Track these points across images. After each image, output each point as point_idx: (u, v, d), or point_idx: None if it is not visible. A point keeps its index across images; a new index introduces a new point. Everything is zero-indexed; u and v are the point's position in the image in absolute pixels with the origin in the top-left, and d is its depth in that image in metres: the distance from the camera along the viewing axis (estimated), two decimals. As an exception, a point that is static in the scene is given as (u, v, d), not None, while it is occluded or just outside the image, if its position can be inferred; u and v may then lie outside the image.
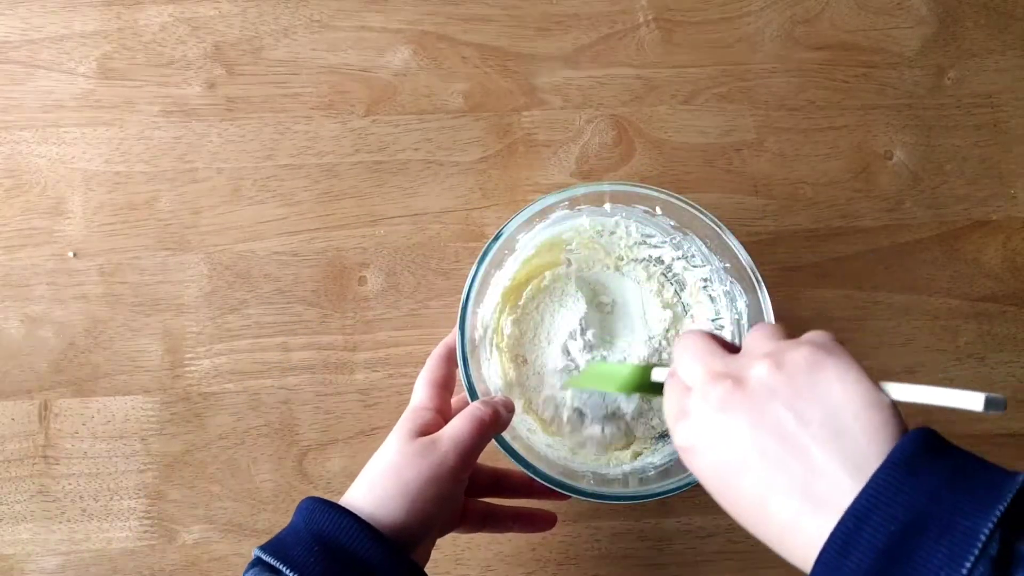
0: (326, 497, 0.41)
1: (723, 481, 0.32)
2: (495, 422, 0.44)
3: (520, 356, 0.55)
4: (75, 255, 0.61)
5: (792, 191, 0.63)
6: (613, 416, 0.54)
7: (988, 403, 0.29)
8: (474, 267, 0.49)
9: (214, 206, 0.61)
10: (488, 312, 0.53)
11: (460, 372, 0.48)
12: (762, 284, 0.50)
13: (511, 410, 0.46)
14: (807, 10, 0.66)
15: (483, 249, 0.49)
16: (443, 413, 0.46)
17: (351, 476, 0.58)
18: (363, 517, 0.39)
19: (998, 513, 0.26)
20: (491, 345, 0.54)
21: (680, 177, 0.63)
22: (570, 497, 0.47)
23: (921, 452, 0.28)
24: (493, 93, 0.64)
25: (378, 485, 0.41)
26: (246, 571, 0.39)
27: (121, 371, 0.59)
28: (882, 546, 0.27)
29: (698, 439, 0.33)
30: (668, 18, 0.65)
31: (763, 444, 0.31)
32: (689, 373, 0.35)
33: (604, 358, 0.55)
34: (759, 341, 0.34)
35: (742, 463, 0.31)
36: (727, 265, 0.52)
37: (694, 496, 0.59)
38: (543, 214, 0.52)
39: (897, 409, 0.30)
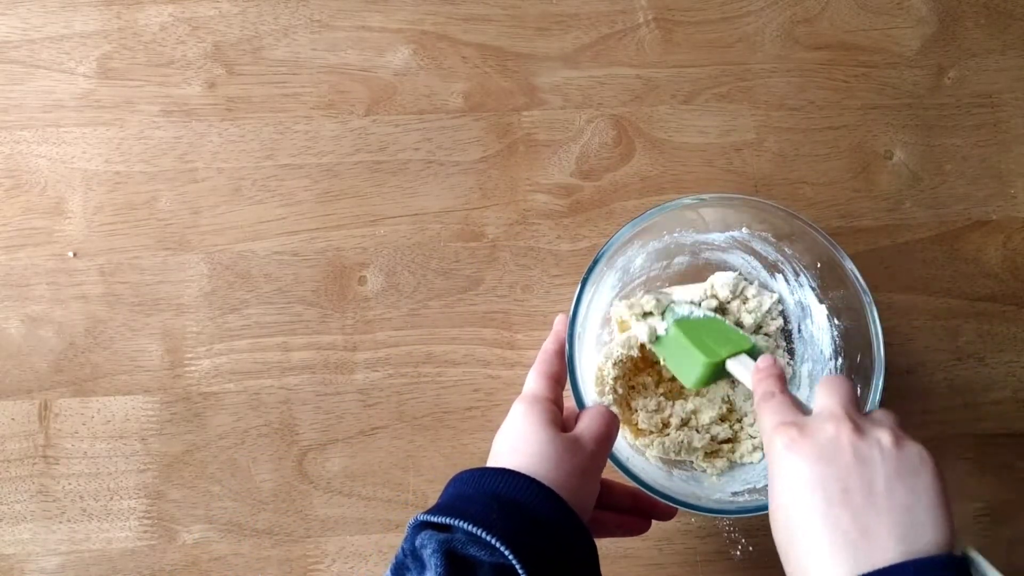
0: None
1: (799, 488, 0.37)
2: (617, 424, 0.47)
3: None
4: (75, 255, 0.61)
5: (792, 191, 0.63)
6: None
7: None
8: (572, 306, 0.51)
9: (214, 206, 0.61)
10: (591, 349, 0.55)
11: (573, 397, 0.50)
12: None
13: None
14: (807, 10, 0.66)
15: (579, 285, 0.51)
16: (558, 405, 0.48)
17: (351, 476, 0.58)
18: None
19: None
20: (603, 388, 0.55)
21: (680, 177, 0.63)
22: (676, 513, 0.51)
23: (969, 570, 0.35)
24: (493, 93, 0.64)
25: (537, 470, 0.42)
26: (409, 537, 0.39)
27: (121, 371, 0.59)
28: None
29: (811, 447, 0.37)
30: (668, 18, 0.65)
31: (850, 484, 0.36)
32: (830, 405, 0.40)
33: (686, 313, 0.54)
34: (885, 417, 0.40)
35: (822, 484, 0.36)
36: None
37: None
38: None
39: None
